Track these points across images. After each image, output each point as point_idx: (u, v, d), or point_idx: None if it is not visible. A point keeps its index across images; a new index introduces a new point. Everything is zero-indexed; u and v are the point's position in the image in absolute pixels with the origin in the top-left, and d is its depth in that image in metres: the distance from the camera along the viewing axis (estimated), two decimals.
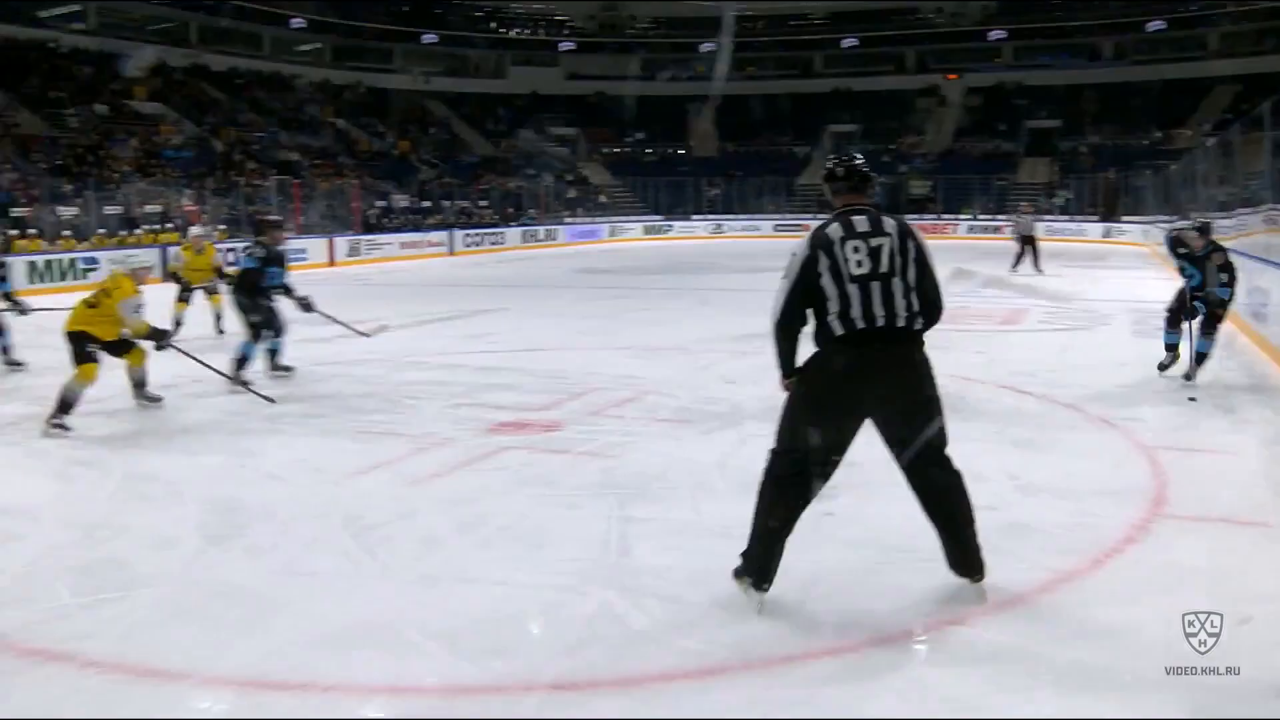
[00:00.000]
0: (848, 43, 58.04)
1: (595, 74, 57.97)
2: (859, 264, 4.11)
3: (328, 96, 49.73)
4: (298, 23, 49.40)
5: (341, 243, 30.60)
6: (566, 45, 58.55)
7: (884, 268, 4.13)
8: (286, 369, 10.46)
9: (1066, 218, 44.16)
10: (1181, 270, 9.72)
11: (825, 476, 4.25)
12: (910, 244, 4.21)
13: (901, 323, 4.13)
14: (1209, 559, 4.98)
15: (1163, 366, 9.81)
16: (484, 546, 5.33)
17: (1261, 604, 4.27)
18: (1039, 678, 3.79)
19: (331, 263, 29.19)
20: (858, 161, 4.46)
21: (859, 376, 4.14)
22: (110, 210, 28.54)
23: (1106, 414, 7.63)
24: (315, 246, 29.52)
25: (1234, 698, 3.61)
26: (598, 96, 56.70)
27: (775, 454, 4.29)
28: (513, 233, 39.56)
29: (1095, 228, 41.51)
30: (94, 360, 8.36)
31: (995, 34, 56.51)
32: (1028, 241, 23.20)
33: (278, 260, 10.37)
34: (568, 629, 4.20)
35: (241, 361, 9.91)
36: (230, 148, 39.17)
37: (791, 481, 4.22)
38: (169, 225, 28.27)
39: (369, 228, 34.94)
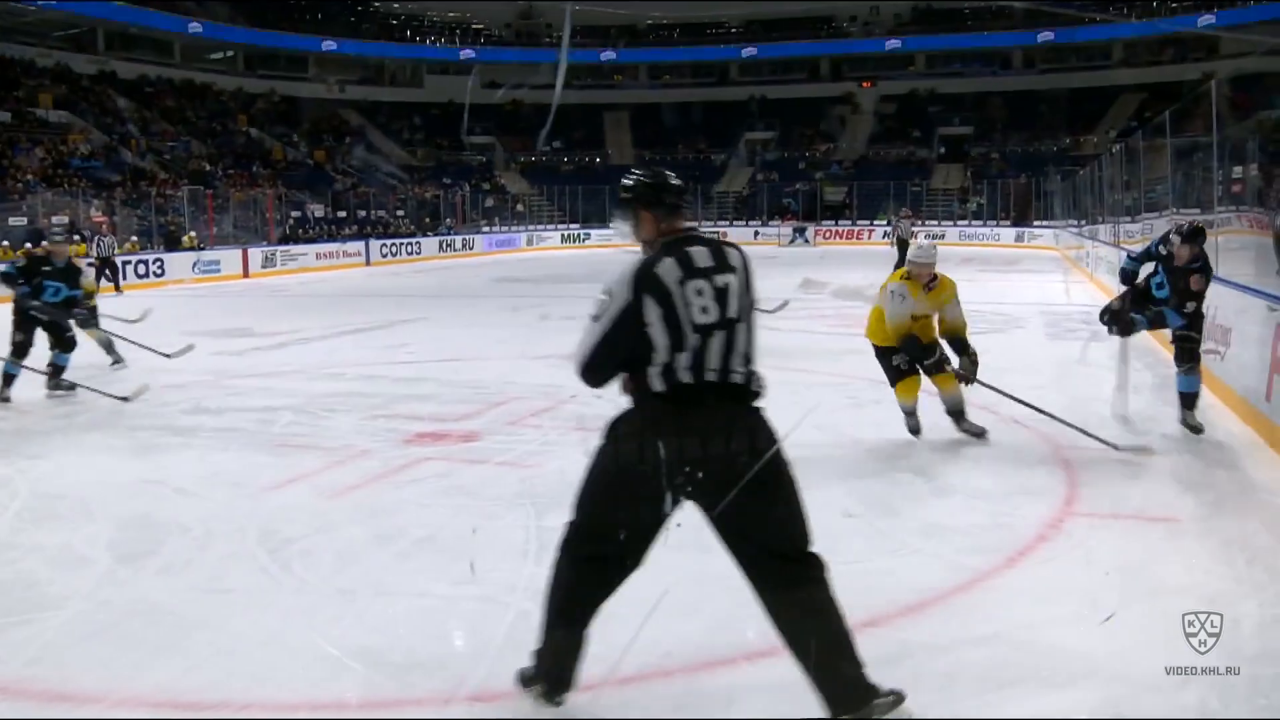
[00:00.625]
0: (764, 51, 58.50)
1: (512, 82, 57.75)
2: (704, 310, 3.27)
3: (240, 105, 49.06)
4: (195, 28, 48.32)
5: (256, 253, 30.17)
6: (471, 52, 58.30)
7: (732, 312, 3.33)
8: (70, 387, 10.02)
9: (980, 223, 44.98)
10: (1128, 278, 8.50)
11: (634, 561, 3.45)
12: (749, 283, 3.42)
13: (739, 378, 3.33)
14: (1120, 555, 5.10)
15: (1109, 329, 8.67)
16: (403, 558, 5.30)
17: (1172, 598, 4.37)
18: (957, 676, 3.85)
19: (246, 274, 28.79)
20: (671, 177, 3.56)
21: (682, 446, 3.26)
22: (14, 221, 27.91)
23: (1022, 415, 7.76)
24: (229, 257, 29.11)
25: (1144, 688, 3.70)
26: (514, 105, 56.56)
27: (573, 526, 3.48)
28: (429, 242, 39.34)
29: (1008, 232, 42.31)
30: None
31: (904, 43, 57.39)
32: (904, 245, 24.18)
33: (60, 274, 10.12)
34: (488, 639, 4.18)
35: (6, 379, 9.72)
36: (140, 157, 38.49)
37: (590, 563, 3.44)
38: (76, 237, 27.68)
39: (284, 238, 34.52)
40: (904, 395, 7.53)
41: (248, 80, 51.56)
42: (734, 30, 59.64)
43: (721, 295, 3.31)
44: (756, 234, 46.44)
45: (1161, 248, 7.90)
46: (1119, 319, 8.28)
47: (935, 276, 7.45)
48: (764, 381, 3.42)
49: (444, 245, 39.86)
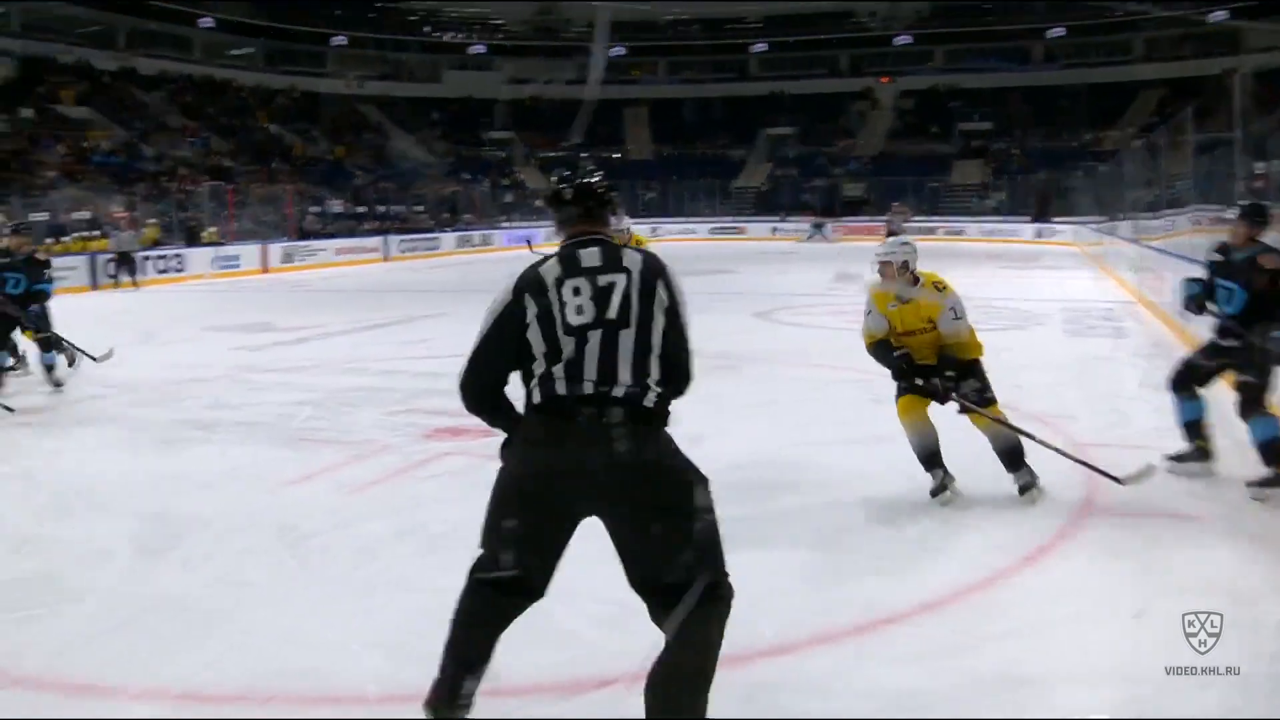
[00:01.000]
0: (782, 46, 58.48)
1: (532, 78, 57.87)
2: (579, 309, 3.06)
3: (260, 101, 49.24)
4: (206, 22, 48.45)
5: (276, 249, 30.24)
6: (499, 50, 58.43)
7: (612, 314, 3.07)
8: (57, 384, 10.04)
9: (1000, 219, 44.81)
10: (1195, 297, 6.51)
11: (531, 587, 3.21)
12: (659, 288, 3.13)
13: (621, 391, 3.03)
14: (1143, 554, 5.07)
15: (1181, 459, 6.47)
16: (423, 553, 5.30)
17: (1195, 597, 4.35)
18: (976, 674, 3.83)
19: (266, 269, 28.88)
20: (593, 180, 3.33)
21: (556, 465, 3.06)
22: (37, 217, 28.02)
23: (1040, 412, 7.71)
24: (249, 252, 29.20)
25: (1165, 688, 3.68)
26: (534, 101, 56.64)
27: (480, 551, 3.25)
28: (448, 237, 39.36)
29: (1028, 228, 42.14)
30: None
31: (925, 38, 57.32)
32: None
33: (20, 267, 10.01)
34: (506, 634, 4.18)
35: None
36: (161, 153, 38.65)
37: (487, 588, 3.21)
38: (97, 233, 27.83)
39: (304, 234, 34.59)
40: (903, 413, 6.03)
41: (267, 76, 51.75)
42: (753, 25, 59.56)
43: (603, 295, 3.08)
44: (775, 229, 46.36)
45: (1215, 254, 6.42)
46: (1197, 370, 6.46)
47: (918, 280, 5.92)
48: (661, 396, 3.12)
49: (463, 241, 39.89)
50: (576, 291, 3.08)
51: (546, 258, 3.20)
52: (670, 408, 3.16)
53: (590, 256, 3.15)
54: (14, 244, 10.25)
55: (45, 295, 10.16)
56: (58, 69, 41.27)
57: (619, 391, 3.03)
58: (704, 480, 3.11)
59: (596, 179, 3.35)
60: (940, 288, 5.92)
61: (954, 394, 5.86)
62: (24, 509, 6.30)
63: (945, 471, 5.96)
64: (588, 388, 3.02)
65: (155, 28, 46.78)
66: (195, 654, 4.13)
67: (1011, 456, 5.94)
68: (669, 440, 3.13)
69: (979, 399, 5.90)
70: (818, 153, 54.72)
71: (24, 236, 10.58)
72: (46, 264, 10.30)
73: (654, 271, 3.15)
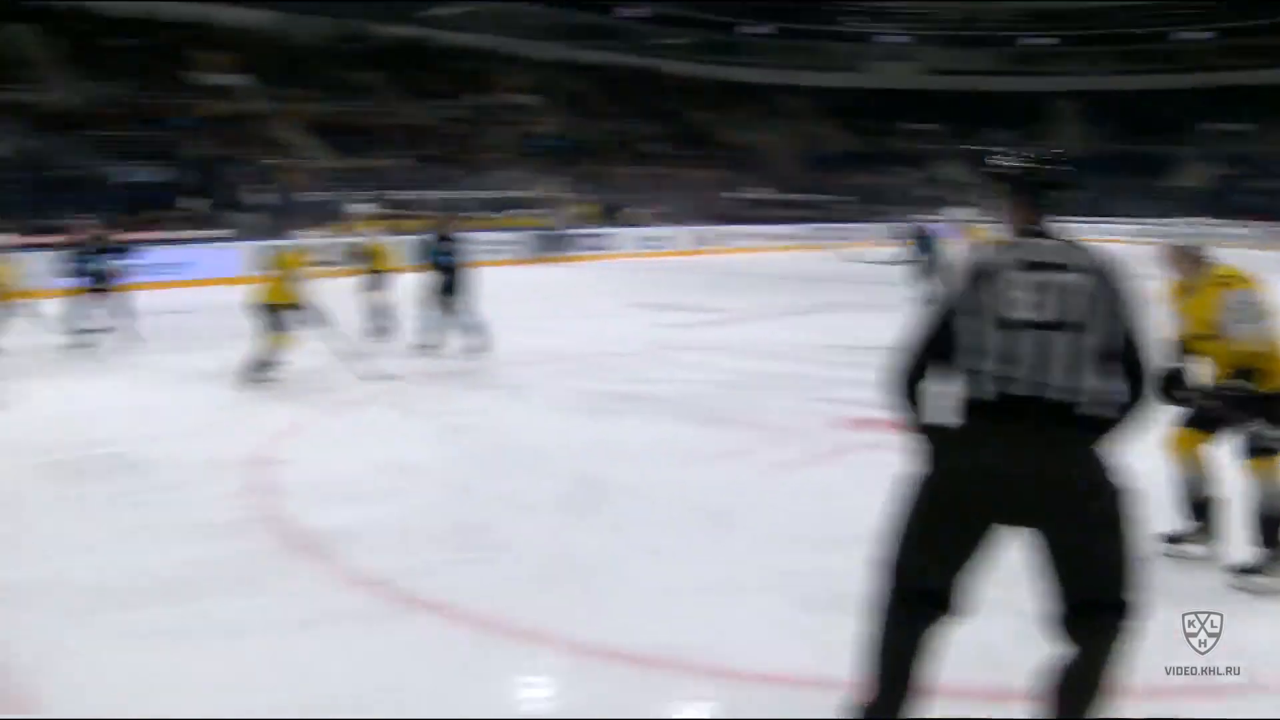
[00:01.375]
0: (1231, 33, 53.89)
1: (955, 69, 56.53)
2: (1020, 304, 2.83)
3: (688, 89, 50.83)
4: (638, 14, 50.39)
5: (698, 232, 31.38)
6: (925, 40, 57.48)
7: (1055, 314, 2.82)
8: (483, 347, 10.76)
9: None
10: None
11: (946, 605, 2.98)
12: (1108, 290, 2.85)
13: (1062, 396, 2.79)
14: None
15: None
16: (831, 545, 5.12)
17: None
18: None
19: (690, 251, 29.91)
20: (1048, 164, 3.11)
21: (977, 472, 2.85)
22: (479, 194, 30.16)
23: None
24: (673, 234, 30.42)
25: None
26: (957, 93, 55.19)
27: (886, 561, 3.03)
28: (871, 228, 39.06)
29: None
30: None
31: None
32: None
33: (442, 237, 11.10)
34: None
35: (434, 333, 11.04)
36: (603, 138, 40.69)
37: (899, 607, 3.00)
38: (533, 211, 29.62)
39: (726, 219, 35.39)
40: (1172, 446, 4.87)
41: (694, 66, 53.29)
42: (1195, 11, 55.06)
43: (1048, 292, 2.83)
44: (1210, 235, 42.84)
45: None
46: None
47: (1203, 272, 4.82)
48: (1122, 407, 2.84)
49: (887, 232, 39.44)
50: (1021, 286, 2.84)
51: (998, 245, 2.97)
52: (1122, 417, 2.87)
53: (1037, 250, 2.90)
54: (438, 221, 11.43)
55: (441, 266, 11.04)
56: (502, 59, 44.30)
57: (1053, 396, 2.79)
58: (1129, 493, 2.84)
59: (1053, 164, 3.11)
60: (1226, 282, 4.67)
61: (1237, 422, 4.59)
62: (468, 460, 6.89)
63: (1207, 529, 4.84)
64: (1019, 389, 2.80)
65: (591, 21, 49.32)
66: (612, 612, 4.37)
67: (1271, 528, 4.56)
68: (1100, 451, 2.85)
69: (1256, 443, 4.55)
70: (1274, 150, 50.02)
71: (443, 214, 11.70)
72: (447, 238, 11.20)
73: (1105, 273, 2.87)
